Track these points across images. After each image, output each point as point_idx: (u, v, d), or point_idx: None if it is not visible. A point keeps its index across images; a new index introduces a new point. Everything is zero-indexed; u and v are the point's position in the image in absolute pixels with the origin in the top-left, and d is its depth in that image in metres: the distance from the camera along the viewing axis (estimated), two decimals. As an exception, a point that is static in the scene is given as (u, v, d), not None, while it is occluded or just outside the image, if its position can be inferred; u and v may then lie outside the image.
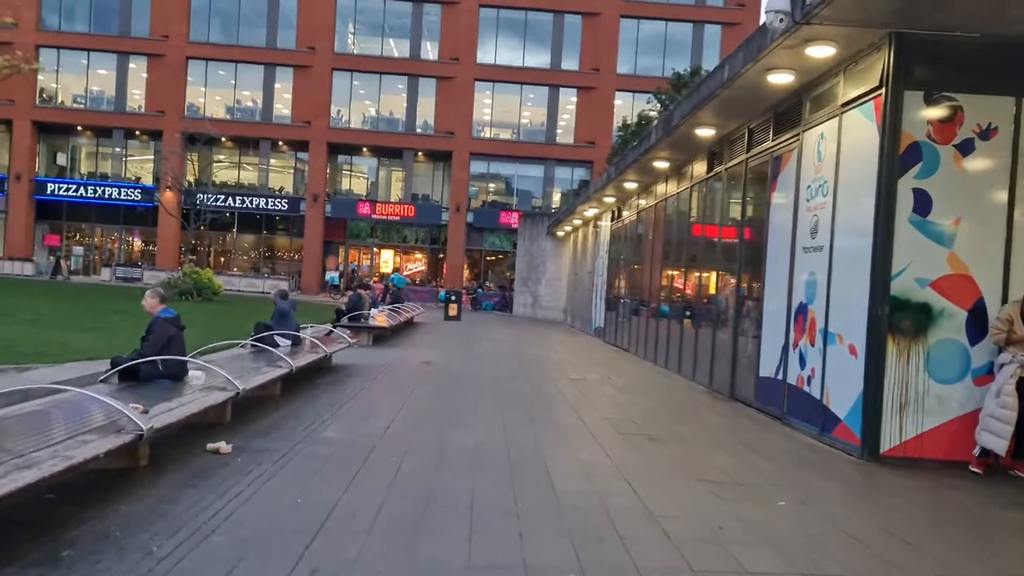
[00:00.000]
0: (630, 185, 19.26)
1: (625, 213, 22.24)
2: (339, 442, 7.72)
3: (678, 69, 38.38)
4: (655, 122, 15.01)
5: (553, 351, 20.11)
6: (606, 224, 25.64)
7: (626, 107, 45.13)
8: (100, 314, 22.00)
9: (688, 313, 15.18)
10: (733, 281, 12.41)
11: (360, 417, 9.16)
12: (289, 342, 12.51)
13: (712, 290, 13.94)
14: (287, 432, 8.08)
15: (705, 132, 12.66)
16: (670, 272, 16.91)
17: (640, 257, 20.10)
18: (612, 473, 6.85)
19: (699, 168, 14.71)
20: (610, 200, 22.57)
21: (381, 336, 19.63)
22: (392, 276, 43.01)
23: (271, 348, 11.96)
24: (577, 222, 30.44)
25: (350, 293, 22.24)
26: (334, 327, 19.40)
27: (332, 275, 44.75)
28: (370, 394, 11.06)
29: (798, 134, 10.01)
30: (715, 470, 7.16)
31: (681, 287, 16.06)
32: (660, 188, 17.87)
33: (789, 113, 10.42)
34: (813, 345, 9.15)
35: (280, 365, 9.86)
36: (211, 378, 7.96)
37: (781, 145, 10.62)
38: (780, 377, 10.08)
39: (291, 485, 6.00)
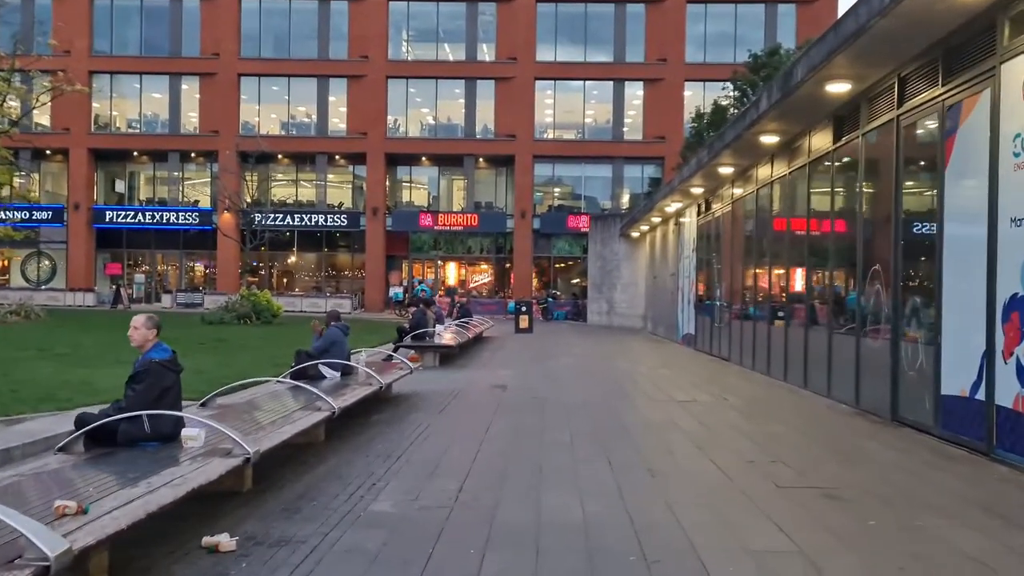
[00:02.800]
0: (724, 170, 16.69)
1: (716, 205, 19.64)
2: (392, 522, 5.46)
3: (753, 51, 35.40)
4: (761, 88, 12.49)
5: (643, 364, 17.64)
6: (691, 220, 23.05)
7: (696, 98, 42.23)
8: (146, 344, 20.34)
9: (814, 316, 12.57)
10: (885, 275, 9.79)
11: (422, 474, 6.90)
12: (337, 373, 10.36)
13: (849, 287, 11.34)
14: (323, 505, 5.88)
15: (837, 88, 10.10)
16: (785, 268, 14.30)
17: (740, 253, 17.48)
18: (809, 574, 4.41)
19: (820, 140, 12.12)
20: (697, 191, 19.99)
21: (448, 355, 17.48)
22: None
23: (315, 381, 9.85)
24: (656, 220, 27.86)
25: (413, 309, 20.14)
26: (396, 348, 17.35)
27: (396, 291, 42.87)
28: (436, 435, 8.80)
29: (991, 69, 7.42)
30: (966, 559, 4.66)
31: (802, 285, 13.43)
32: (763, 171, 15.27)
33: (970, 45, 7.83)
34: (1044, 354, 6.55)
35: (320, 407, 7.66)
36: (214, 437, 5.77)
37: (959, 90, 8.04)
38: (980, 397, 7.47)
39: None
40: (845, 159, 11.31)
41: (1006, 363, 7.07)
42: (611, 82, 44.32)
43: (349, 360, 10.89)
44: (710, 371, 16.32)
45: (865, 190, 10.62)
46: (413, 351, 17.07)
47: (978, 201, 7.57)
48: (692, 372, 16.09)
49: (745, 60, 35.21)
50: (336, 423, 8.60)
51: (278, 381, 9.68)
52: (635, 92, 44.41)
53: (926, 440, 8.28)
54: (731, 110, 34.51)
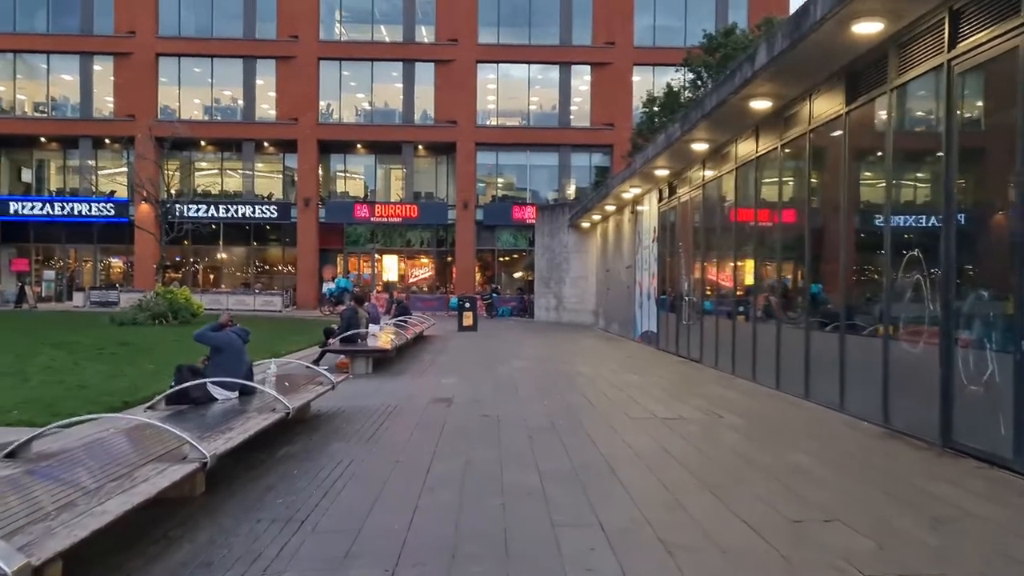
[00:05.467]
0: (698, 147, 14.69)
1: (682, 189, 17.66)
2: None
3: (708, 32, 33.62)
4: (760, 40, 10.45)
5: (606, 368, 15.54)
6: (650, 207, 21.08)
7: (645, 83, 40.44)
8: (32, 349, 17.57)
9: (817, 313, 10.60)
10: (929, 263, 7.82)
11: (333, 556, 4.66)
12: (233, 394, 7.99)
13: (860, 278, 9.40)
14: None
15: (866, 28, 8.09)
16: (775, 258, 12.33)
17: (715, 242, 15.53)
18: None
19: (826, 103, 10.14)
20: (662, 173, 17.99)
21: (384, 360, 15.16)
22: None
23: (201, 405, 7.51)
24: (609, 208, 25.84)
25: (343, 307, 17.75)
26: (322, 353, 15.01)
27: (330, 287, 40.11)
28: (359, 481, 6.52)
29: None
30: None
31: (800, 278, 11.48)
32: (745, 147, 13.30)
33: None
34: None
35: (187, 454, 5.31)
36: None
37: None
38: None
39: None
40: (863, 123, 9.33)
41: None
42: (557, 66, 42.23)
43: (251, 374, 8.54)
44: (683, 376, 14.31)
45: (894, 158, 8.62)
46: (342, 356, 14.78)
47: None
48: (664, 378, 14.05)
49: (699, 42, 33.39)
50: (227, 459, 6.30)
51: (148, 408, 7.28)
52: (582, 77, 42.39)
53: (1011, 480, 6.30)
54: (685, 93, 32.77)
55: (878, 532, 5.09)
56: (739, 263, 14.00)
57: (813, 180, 10.90)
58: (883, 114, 8.70)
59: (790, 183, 11.75)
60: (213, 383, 7.81)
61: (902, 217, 8.55)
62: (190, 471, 4.97)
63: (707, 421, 9.42)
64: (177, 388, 7.56)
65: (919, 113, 8.31)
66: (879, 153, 8.93)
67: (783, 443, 8.10)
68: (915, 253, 7.99)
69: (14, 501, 4.10)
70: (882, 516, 5.50)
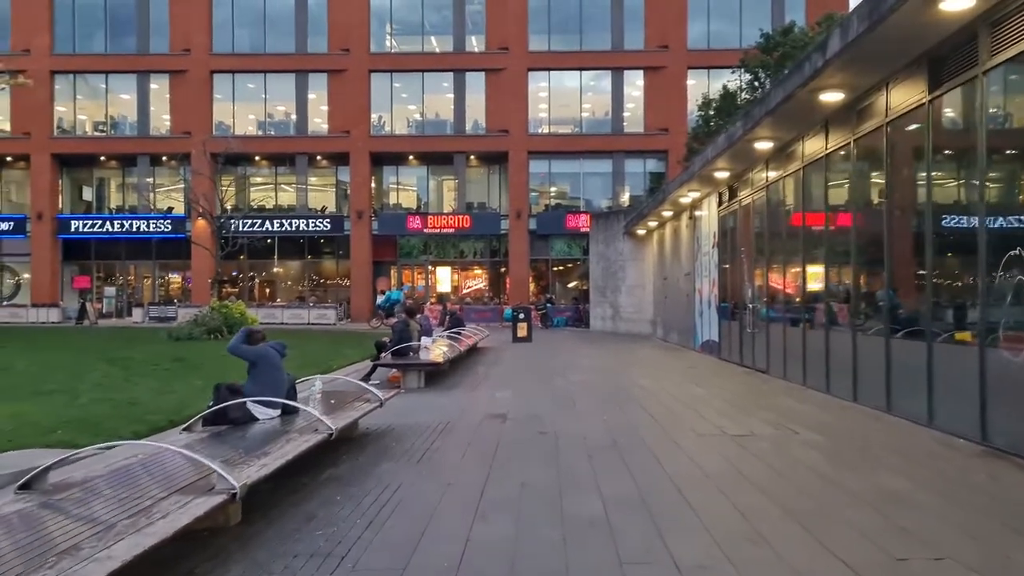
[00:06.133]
0: (761, 146, 13.94)
1: (744, 192, 16.89)
2: None
3: (765, 31, 32.61)
4: (824, 33, 9.74)
5: (668, 380, 14.84)
6: (709, 212, 20.31)
7: (700, 87, 39.47)
8: (87, 365, 17.56)
9: (897, 320, 9.81)
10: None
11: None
12: (275, 412, 7.56)
13: (949, 282, 8.61)
14: None
15: (954, 6, 7.34)
16: (844, 262, 11.53)
17: (781, 247, 14.75)
18: None
19: (904, 93, 9.37)
20: (721, 175, 17.24)
21: (436, 373, 14.69)
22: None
23: (240, 426, 7.10)
24: (666, 214, 25.08)
25: (393, 320, 17.34)
26: (374, 367, 14.63)
27: (381, 299, 39.87)
28: (407, 508, 6.01)
29: None
30: None
31: (867, 281, 10.69)
32: (812, 144, 12.53)
33: None
34: None
35: (214, 485, 4.85)
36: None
37: None
38: None
39: None
40: (949, 112, 8.56)
41: None
42: (609, 71, 41.53)
43: (293, 391, 8.12)
44: (750, 387, 13.56)
45: (988, 149, 7.83)
46: (394, 370, 14.37)
47: None
48: (729, 390, 13.31)
49: (756, 42, 32.42)
50: (267, 483, 5.87)
51: (184, 430, 6.88)
52: (635, 82, 41.62)
53: None
54: (742, 95, 31.87)
55: (998, 572, 4.39)
56: (809, 267, 13.21)
57: (891, 177, 10.11)
58: (973, 101, 7.93)
59: (864, 181, 10.98)
60: (254, 402, 7.39)
61: (999, 215, 7.76)
62: (215, 505, 4.50)
63: (781, 437, 8.71)
64: (215, 408, 7.16)
65: (1016, 97, 7.53)
66: (969, 144, 8.15)
67: (869, 463, 7.36)
68: (1016, 252, 7.21)
69: (16, 542, 3.67)
70: (998, 551, 4.79)
